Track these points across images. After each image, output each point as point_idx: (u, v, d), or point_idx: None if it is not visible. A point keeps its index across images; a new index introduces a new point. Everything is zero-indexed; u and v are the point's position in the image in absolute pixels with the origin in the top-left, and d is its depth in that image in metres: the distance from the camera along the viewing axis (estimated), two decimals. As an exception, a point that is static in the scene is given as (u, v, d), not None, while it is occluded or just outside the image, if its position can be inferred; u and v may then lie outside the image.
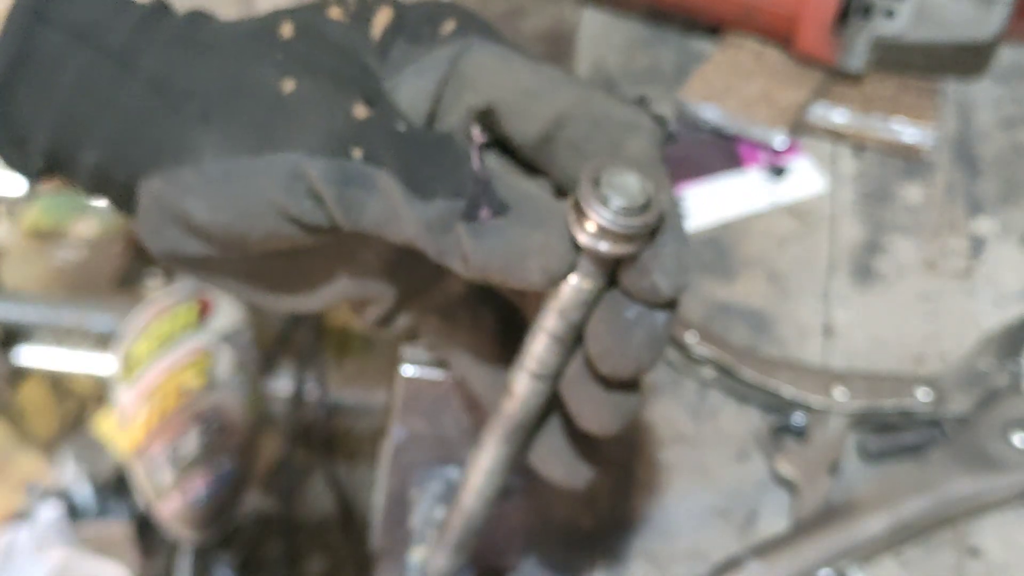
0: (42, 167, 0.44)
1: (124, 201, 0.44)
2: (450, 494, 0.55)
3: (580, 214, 0.37)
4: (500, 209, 0.38)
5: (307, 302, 0.48)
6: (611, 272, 0.39)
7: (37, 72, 0.41)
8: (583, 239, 0.37)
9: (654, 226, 0.37)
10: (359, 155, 0.39)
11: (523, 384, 0.42)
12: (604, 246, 0.37)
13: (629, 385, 0.42)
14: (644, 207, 0.36)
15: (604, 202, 0.36)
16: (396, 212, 0.39)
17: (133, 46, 0.41)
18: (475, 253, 0.38)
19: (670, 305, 0.39)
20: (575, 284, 0.39)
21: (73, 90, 0.41)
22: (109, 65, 0.41)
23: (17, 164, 0.44)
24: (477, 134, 0.40)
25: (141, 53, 0.41)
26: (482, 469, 0.46)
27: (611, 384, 0.41)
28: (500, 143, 0.43)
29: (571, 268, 0.39)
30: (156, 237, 0.44)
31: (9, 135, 0.43)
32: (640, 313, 0.39)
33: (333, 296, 0.48)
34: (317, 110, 0.40)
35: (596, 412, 0.42)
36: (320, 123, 0.39)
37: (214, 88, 0.41)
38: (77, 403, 1.15)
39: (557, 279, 0.39)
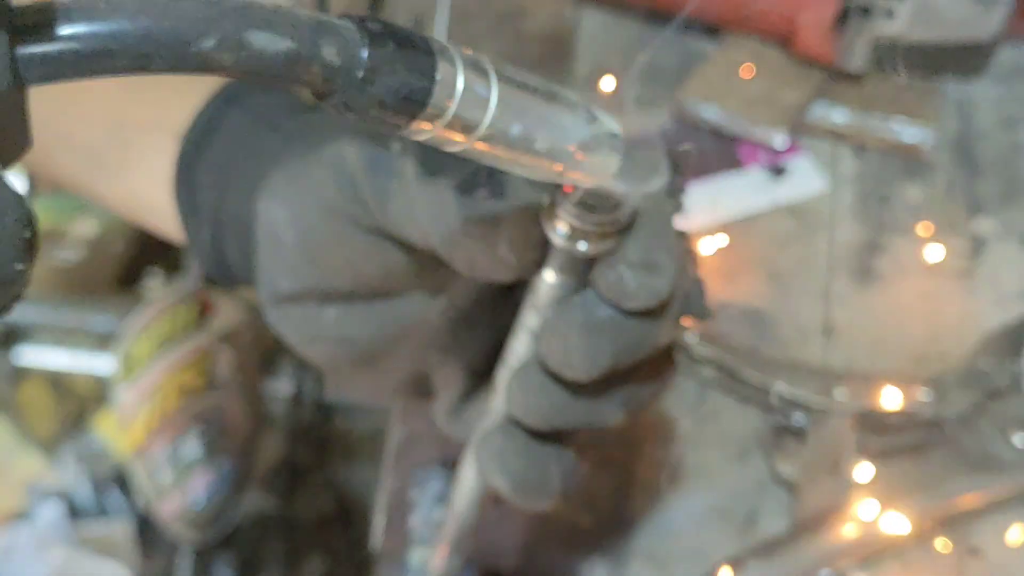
0: (208, 244, 0.50)
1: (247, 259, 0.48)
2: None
3: (552, 210, 0.36)
4: (497, 191, 0.38)
5: (383, 379, 0.49)
6: (587, 271, 0.38)
7: (218, 143, 0.50)
8: (554, 236, 0.36)
9: (625, 223, 0.36)
10: (398, 147, 0.40)
11: (506, 381, 0.42)
12: (574, 243, 0.36)
13: (574, 387, 0.40)
14: (616, 204, 0.35)
15: (574, 199, 0.36)
16: (412, 203, 0.39)
17: (286, 116, 0.49)
18: (467, 234, 0.38)
19: (650, 314, 0.38)
20: (550, 281, 0.39)
21: (236, 149, 0.49)
22: (264, 129, 0.49)
23: (192, 234, 0.51)
24: None
25: (288, 119, 0.49)
26: (472, 468, 0.46)
27: (561, 381, 0.40)
28: None
29: (540, 258, 0.38)
30: (265, 276, 0.47)
31: (189, 202, 0.50)
32: (612, 318, 0.38)
33: (409, 369, 0.48)
34: None
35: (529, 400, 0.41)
36: None
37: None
38: (77, 403, 1.15)
39: (528, 265, 0.38)
